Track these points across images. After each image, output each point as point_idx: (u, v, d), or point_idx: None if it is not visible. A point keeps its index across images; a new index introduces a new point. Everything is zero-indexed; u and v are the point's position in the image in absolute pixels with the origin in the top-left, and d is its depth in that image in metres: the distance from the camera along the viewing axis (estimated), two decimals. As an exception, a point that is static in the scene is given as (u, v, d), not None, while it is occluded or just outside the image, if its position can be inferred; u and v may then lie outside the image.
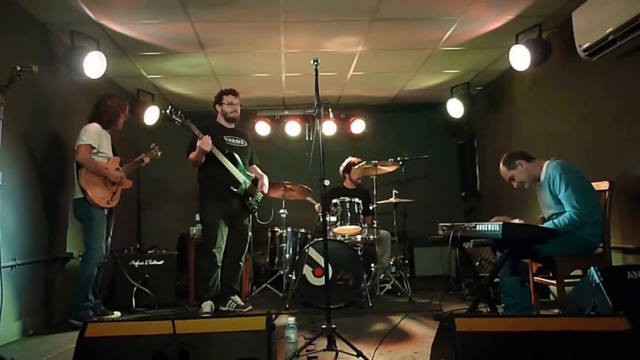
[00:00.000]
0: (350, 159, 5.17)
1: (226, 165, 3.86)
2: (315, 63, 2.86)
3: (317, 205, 4.97)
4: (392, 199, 4.67)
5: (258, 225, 4.56)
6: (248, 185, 3.97)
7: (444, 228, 3.32)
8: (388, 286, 4.73)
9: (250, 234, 4.28)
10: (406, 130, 6.26)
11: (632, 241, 3.28)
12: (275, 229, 4.76)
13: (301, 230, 4.69)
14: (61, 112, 3.96)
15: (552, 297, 3.94)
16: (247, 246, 4.15)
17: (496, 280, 3.28)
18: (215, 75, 5.01)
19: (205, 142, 3.72)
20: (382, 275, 4.78)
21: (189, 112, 4.15)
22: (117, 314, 3.78)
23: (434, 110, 6.02)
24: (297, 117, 6.17)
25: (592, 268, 2.30)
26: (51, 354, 2.80)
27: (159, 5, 3.49)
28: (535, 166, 3.15)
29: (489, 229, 2.82)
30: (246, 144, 4.15)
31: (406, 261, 4.97)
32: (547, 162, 3.11)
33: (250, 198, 4.00)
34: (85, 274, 3.51)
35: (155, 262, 4.29)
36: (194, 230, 4.56)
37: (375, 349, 2.62)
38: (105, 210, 3.67)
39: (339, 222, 4.22)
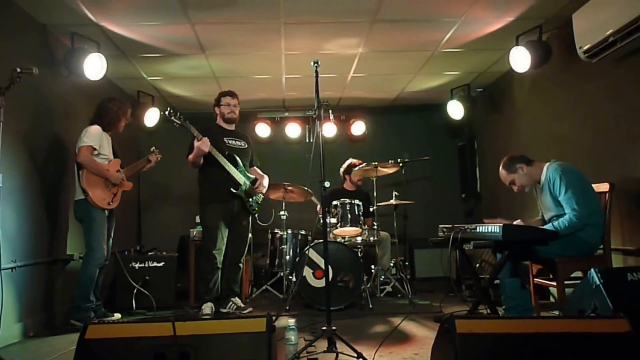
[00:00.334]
0: (351, 160, 5.17)
1: (226, 167, 3.86)
2: (316, 65, 2.86)
3: (319, 206, 4.97)
4: (393, 201, 4.67)
5: (258, 227, 4.56)
6: (248, 186, 3.97)
7: (444, 230, 3.32)
8: (388, 288, 4.73)
9: (250, 235, 4.28)
10: (406, 132, 6.26)
11: (632, 243, 3.28)
12: (276, 231, 4.76)
13: (301, 232, 4.69)
14: (61, 114, 3.97)
15: (552, 299, 3.93)
16: (247, 248, 4.16)
17: (496, 282, 3.28)
18: (216, 77, 5.01)
19: (204, 143, 3.72)
20: (383, 277, 4.78)
21: (190, 114, 4.16)
22: (117, 315, 3.79)
23: (434, 111, 6.03)
24: (297, 119, 6.17)
25: (592, 270, 2.30)
26: (51, 355, 2.80)
27: (159, 7, 3.50)
28: (536, 169, 3.15)
29: (490, 230, 2.82)
30: (246, 146, 4.15)
31: (406, 263, 4.97)
32: (547, 164, 3.11)
33: (250, 199, 4.00)
34: (86, 275, 3.52)
35: (155, 264, 4.30)
36: (194, 232, 4.56)
37: (376, 351, 2.62)
38: (106, 211, 3.67)
39: (339, 224, 4.22)
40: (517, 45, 4.04)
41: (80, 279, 3.54)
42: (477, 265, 4.33)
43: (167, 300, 4.20)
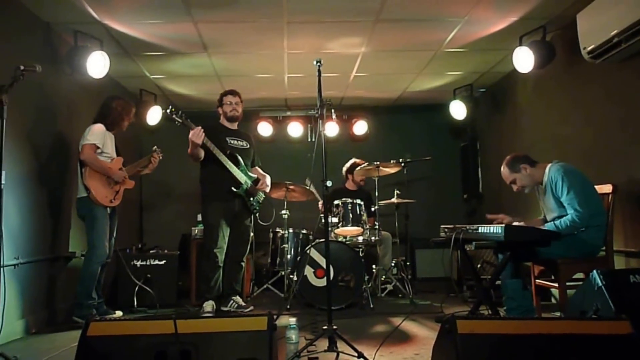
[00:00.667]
0: (354, 160, 5.17)
1: (227, 166, 3.86)
2: (318, 64, 2.85)
3: (320, 203, 4.97)
4: (394, 200, 4.66)
5: (260, 226, 4.56)
6: (249, 185, 3.97)
7: (446, 230, 3.31)
8: (389, 288, 4.72)
9: (251, 234, 4.28)
10: (409, 132, 6.25)
11: (635, 244, 3.27)
12: (277, 230, 4.76)
13: (303, 231, 4.69)
14: (64, 112, 3.97)
15: (553, 300, 3.93)
16: (248, 247, 4.16)
17: (498, 282, 3.27)
18: (218, 75, 5.02)
19: (196, 134, 3.65)
20: (384, 276, 4.78)
21: (192, 112, 4.16)
22: (119, 313, 3.79)
23: (436, 111, 6.02)
24: (299, 118, 6.17)
25: (594, 271, 2.29)
26: (53, 352, 2.81)
27: (163, 6, 3.50)
28: (538, 170, 3.13)
29: (491, 231, 2.81)
30: (248, 146, 4.15)
31: (407, 263, 4.97)
32: (549, 164, 3.09)
33: (251, 198, 4.00)
34: (88, 272, 3.54)
35: (157, 262, 4.30)
36: (196, 231, 4.57)
37: (376, 351, 2.62)
38: (108, 209, 3.68)
39: (341, 224, 4.21)
40: (520, 45, 4.03)
41: (82, 276, 3.55)
42: (479, 265, 4.33)
43: (168, 298, 4.20)
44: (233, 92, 4.08)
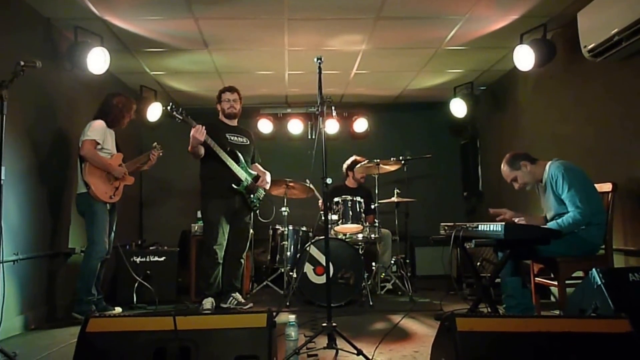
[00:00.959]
0: (354, 157, 5.16)
1: (227, 162, 3.86)
2: (319, 61, 2.85)
3: (320, 201, 4.97)
4: (394, 198, 4.66)
5: (259, 222, 4.57)
6: (249, 182, 3.97)
7: (446, 228, 3.32)
8: (389, 285, 4.73)
9: (251, 231, 4.28)
10: (409, 130, 6.25)
11: (634, 243, 3.27)
12: (277, 227, 4.76)
13: (302, 228, 4.69)
14: (64, 108, 3.97)
15: (553, 298, 3.93)
16: (248, 243, 4.17)
17: (497, 280, 3.27)
18: (219, 72, 5.01)
19: (197, 131, 3.67)
20: (383, 274, 4.78)
21: (192, 109, 4.16)
22: (118, 309, 3.80)
23: (437, 109, 6.01)
24: (299, 115, 6.17)
25: (593, 269, 2.30)
26: (53, 348, 2.81)
27: (163, 2, 3.49)
28: (538, 167, 3.14)
29: (491, 229, 2.81)
30: (248, 142, 4.15)
31: (407, 260, 4.96)
32: (549, 162, 3.10)
33: (251, 195, 4.00)
34: (87, 268, 3.54)
35: (156, 259, 4.31)
36: (196, 227, 4.57)
37: (376, 348, 2.62)
38: (108, 205, 3.68)
39: (341, 221, 4.22)
40: (521, 43, 4.02)
41: (82, 272, 3.55)
42: (478, 263, 4.33)
43: (168, 294, 4.20)
44: (231, 89, 4.07)
